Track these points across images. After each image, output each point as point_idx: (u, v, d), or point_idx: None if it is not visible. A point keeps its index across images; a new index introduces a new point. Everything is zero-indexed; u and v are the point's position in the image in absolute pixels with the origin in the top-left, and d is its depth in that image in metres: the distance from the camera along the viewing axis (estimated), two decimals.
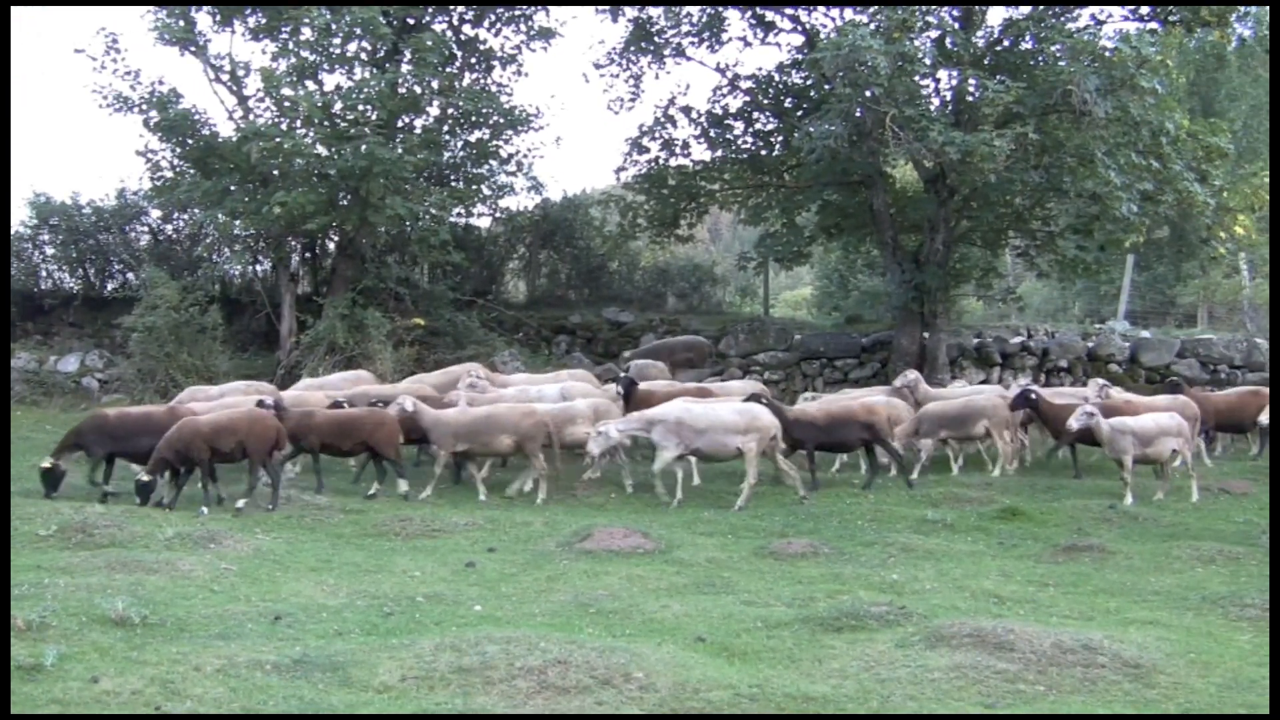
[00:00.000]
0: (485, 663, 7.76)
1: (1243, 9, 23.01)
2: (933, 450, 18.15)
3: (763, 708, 7.27)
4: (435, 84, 25.75)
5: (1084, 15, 23.53)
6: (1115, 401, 18.43)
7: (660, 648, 8.38)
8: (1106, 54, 20.71)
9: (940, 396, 19.56)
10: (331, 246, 28.44)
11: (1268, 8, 25.25)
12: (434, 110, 26.79)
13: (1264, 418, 18.64)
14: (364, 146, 23.10)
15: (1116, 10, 23.75)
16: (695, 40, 26.11)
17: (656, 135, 27.22)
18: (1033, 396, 18.10)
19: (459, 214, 28.49)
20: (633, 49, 26.48)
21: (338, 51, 25.23)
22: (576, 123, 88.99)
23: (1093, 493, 16.55)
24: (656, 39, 26.23)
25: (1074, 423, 16.05)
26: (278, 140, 23.32)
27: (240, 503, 14.49)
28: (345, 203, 24.73)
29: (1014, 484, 17.18)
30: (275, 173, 24.45)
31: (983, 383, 24.15)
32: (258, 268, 28.94)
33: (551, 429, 16.12)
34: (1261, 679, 8.02)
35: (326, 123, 24.79)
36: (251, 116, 25.31)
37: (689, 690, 7.46)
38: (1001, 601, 10.29)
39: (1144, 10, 23.50)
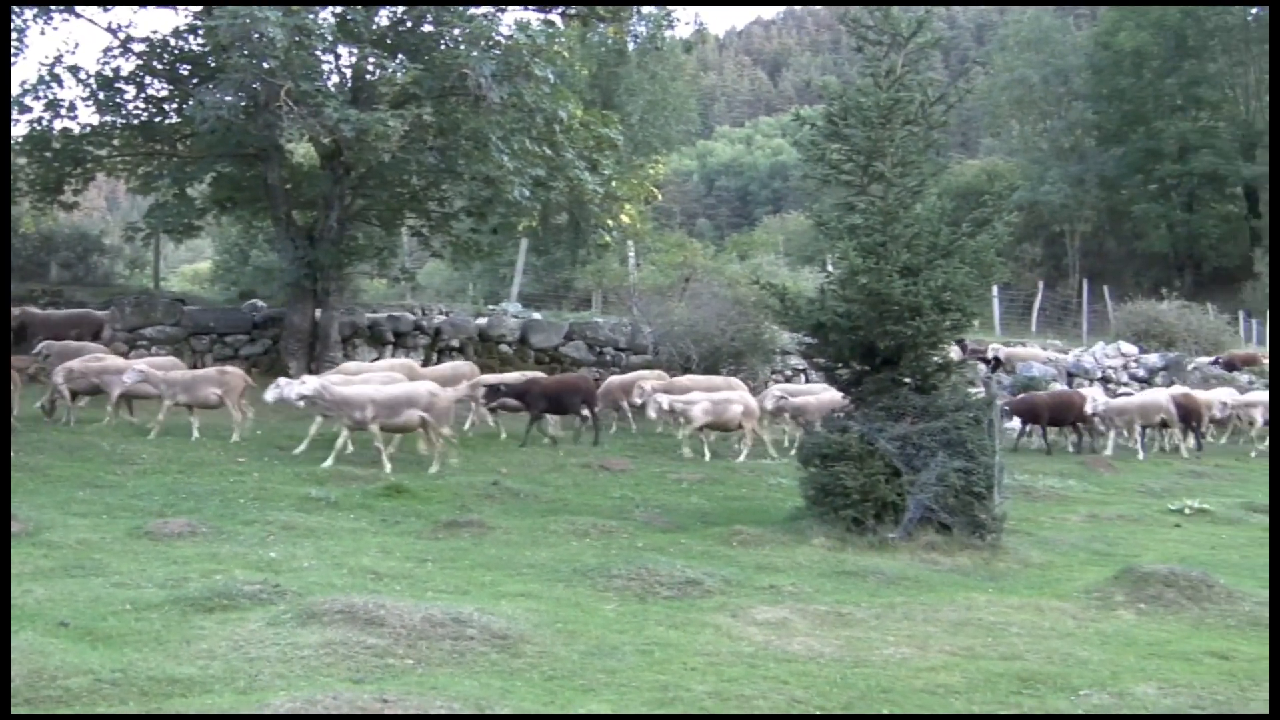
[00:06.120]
0: None
1: (637, 9, 24.20)
2: None
3: (125, 692, 6.86)
4: None
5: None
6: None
7: (19, 635, 7.66)
8: (504, 41, 21.20)
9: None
10: None
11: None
12: None
13: None
14: None
15: None
16: None
17: (40, 95, 25.16)
18: None
19: None
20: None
21: None
22: None
23: (477, 470, 16.93)
24: None
25: (127, 379, 17.43)
26: None
27: None
28: None
29: (401, 462, 17.22)
30: None
31: (375, 360, 24.24)
32: None
33: None
34: (623, 644, 8.37)
35: None
36: None
37: (46, 678, 6.94)
38: (379, 578, 10.19)
39: None
